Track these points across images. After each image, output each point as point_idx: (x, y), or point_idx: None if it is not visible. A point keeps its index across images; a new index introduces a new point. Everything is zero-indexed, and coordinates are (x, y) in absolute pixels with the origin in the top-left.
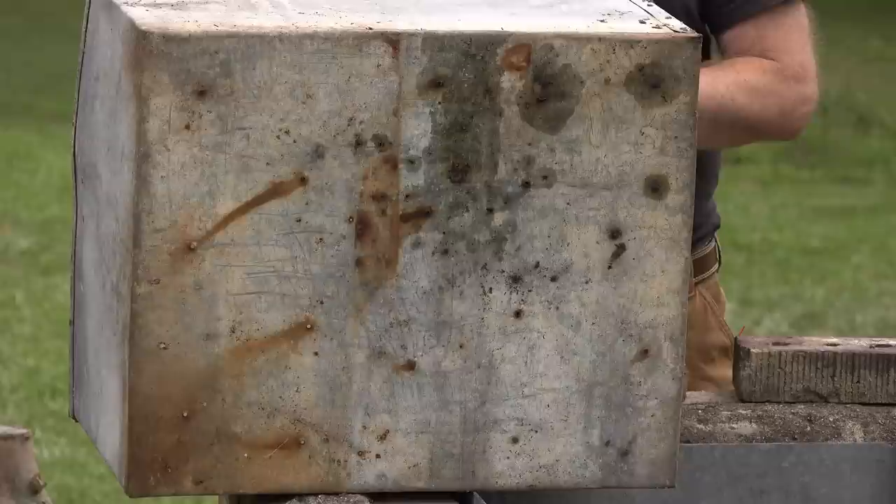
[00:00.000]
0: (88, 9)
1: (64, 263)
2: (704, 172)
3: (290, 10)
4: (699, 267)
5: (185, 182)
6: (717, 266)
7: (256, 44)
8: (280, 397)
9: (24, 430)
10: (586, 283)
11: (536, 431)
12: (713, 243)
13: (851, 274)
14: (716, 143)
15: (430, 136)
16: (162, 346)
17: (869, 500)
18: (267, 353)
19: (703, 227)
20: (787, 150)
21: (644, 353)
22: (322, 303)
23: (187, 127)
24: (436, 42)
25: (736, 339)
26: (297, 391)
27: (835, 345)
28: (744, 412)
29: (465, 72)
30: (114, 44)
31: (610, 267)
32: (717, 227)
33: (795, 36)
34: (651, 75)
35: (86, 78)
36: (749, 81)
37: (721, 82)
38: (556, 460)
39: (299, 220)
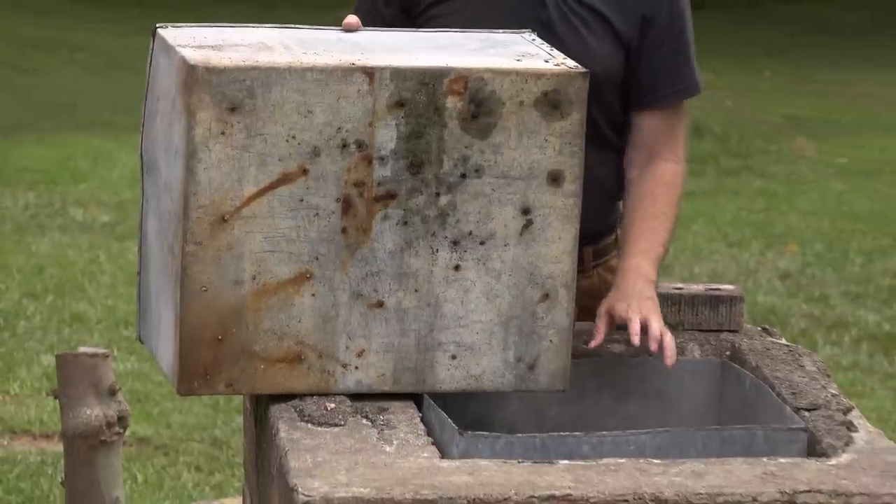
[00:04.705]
0: (152, 51)
1: (134, 232)
2: (607, 194)
3: (297, 51)
4: (599, 253)
5: (221, 172)
6: (615, 252)
7: (272, 74)
8: (287, 326)
9: (105, 350)
10: (505, 246)
11: (469, 351)
12: (613, 236)
13: (692, 238)
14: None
15: (395, 141)
16: (203, 289)
17: (703, 398)
18: (278, 295)
19: (606, 229)
20: None
21: (546, 296)
22: (318, 259)
23: (223, 133)
24: (400, 74)
25: None
26: (299, 322)
27: (680, 289)
28: (616, 337)
29: (420, 95)
30: (170, 74)
31: (521, 234)
32: (617, 224)
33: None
34: (553, 99)
35: (150, 99)
36: (670, 213)
37: (660, 238)
38: (483, 372)
39: (302, 200)
